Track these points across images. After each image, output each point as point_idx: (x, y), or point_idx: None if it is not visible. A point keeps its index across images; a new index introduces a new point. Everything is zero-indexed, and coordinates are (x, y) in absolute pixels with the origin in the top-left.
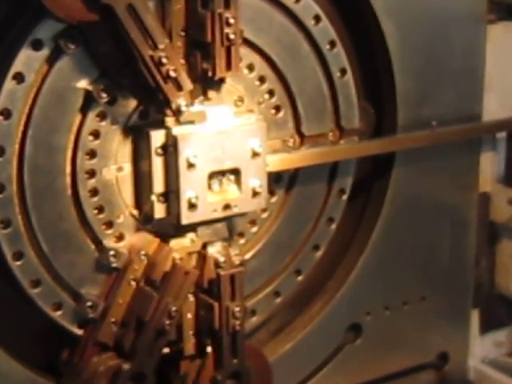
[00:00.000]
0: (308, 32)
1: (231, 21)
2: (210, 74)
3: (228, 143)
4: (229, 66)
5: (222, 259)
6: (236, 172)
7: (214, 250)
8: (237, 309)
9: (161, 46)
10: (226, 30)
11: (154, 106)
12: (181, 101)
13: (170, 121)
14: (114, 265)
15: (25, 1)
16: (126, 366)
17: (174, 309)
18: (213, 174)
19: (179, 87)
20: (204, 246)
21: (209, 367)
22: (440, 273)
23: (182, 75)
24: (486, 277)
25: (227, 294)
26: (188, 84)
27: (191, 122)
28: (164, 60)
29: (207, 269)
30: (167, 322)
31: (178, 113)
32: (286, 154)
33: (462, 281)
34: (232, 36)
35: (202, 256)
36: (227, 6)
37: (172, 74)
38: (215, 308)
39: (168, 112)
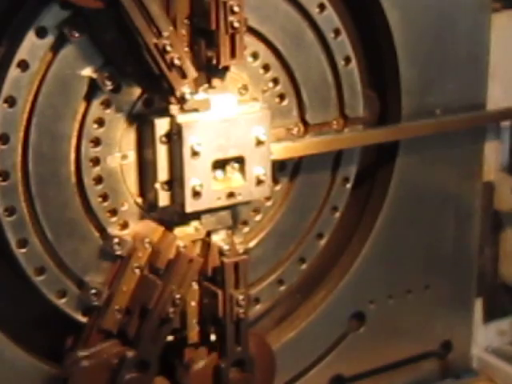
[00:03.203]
0: (312, 20)
1: (236, 9)
2: (214, 62)
3: (232, 131)
4: (233, 54)
5: (226, 247)
6: (240, 160)
7: (218, 238)
8: (241, 297)
9: (165, 34)
10: (231, 17)
11: (159, 94)
12: (185, 89)
13: (174, 109)
14: (118, 252)
15: None
16: (130, 354)
17: (177, 296)
18: (217, 162)
19: (183, 75)
20: (208, 234)
21: (213, 355)
22: (444, 261)
23: (187, 63)
24: (490, 265)
25: (231, 282)
26: (192, 72)
27: (196, 110)
28: (168, 48)
29: (211, 257)
30: (171, 309)
31: (182, 101)
32: (291, 142)
33: (465, 269)
34: (236, 24)
35: (206, 244)
36: None
37: (176, 61)
38: (219, 296)
39: (172, 100)
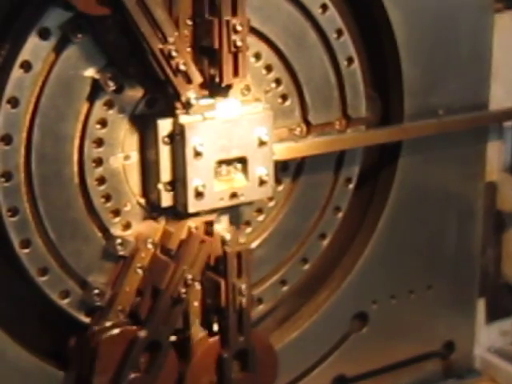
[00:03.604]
0: (315, 20)
1: (238, 28)
2: (217, 80)
3: (235, 132)
4: (236, 73)
5: (228, 236)
6: (243, 160)
7: (221, 228)
8: (243, 286)
9: (170, 39)
10: (234, 37)
11: (163, 98)
12: (190, 94)
13: (180, 113)
14: (120, 253)
15: None
16: (143, 334)
17: (189, 277)
18: (220, 163)
19: (189, 80)
20: (211, 223)
21: (215, 345)
22: (446, 262)
23: (192, 68)
24: (493, 266)
25: (234, 272)
26: (197, 77)
27: (200, 114)
28: (174, 53)
29: (214, 246)
30: (183, 290)
31: (187, 106)
32: (293, 142)
33: (468, 270)
34: (239, 43)
35: (209, 233)
36: (234, 13)
37: (182, 67)
38: (222, 285)
39: (178, 105)
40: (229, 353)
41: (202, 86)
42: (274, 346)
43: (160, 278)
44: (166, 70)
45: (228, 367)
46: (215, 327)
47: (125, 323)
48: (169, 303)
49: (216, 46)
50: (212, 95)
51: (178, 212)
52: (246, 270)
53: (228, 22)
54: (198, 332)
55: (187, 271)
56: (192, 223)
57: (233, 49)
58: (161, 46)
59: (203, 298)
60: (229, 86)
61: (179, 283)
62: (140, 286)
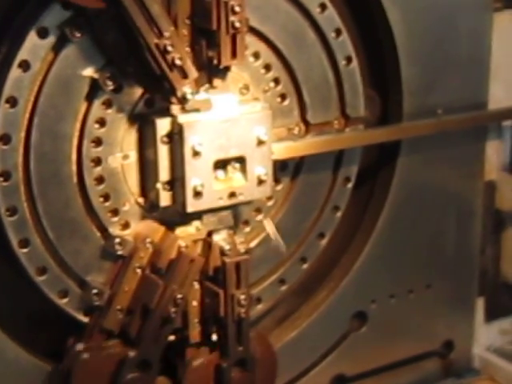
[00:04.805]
0: (314, 20)
1: (237, 9)
2: (215, 62)
3: (233, 131)
4: (234, 55)
5: (227, 247)
6: (241, 160)
7: (220, 238)
8: (242, 296)
9: (166, 34)
10: (232, 17)
11: (160, 94)
12: (186, 89)
13: (175, 109)
14: (119, 252)
15: None
16: (132, 354)
17: (179, 296)
18: (218, 162)
19: (185, 75)
20: (209, 233)
21: (214, 355)
22: (445, 261)
23: (188, 63)
24: (492, 265)
25: (232, 282)
26: (193, 72)
27: (197, 110)
28: (169, 48)
29: (212, 256)
30: (173, 309)
31: (183, 101)
32: (292, 142)
33: (467, 269)
34: (237, 24)
35: (208, 244)
36: None
37: (177, 62)
38: (220, 296)
39: (173, 100)
40: (228, 362)
41: (200, 68)
42: (273, 345)
43: (150, 297)
44: (161, 64)
45: (227, 377)
46: (214, 337)
47: (114, 345)
48: (158, 322)
49: (214, 27)
50: (210, 80)
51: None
52: (245, 281)
53: (226, 3)
54: (196, 330)
55: (177, 290)
56: (182, 242)
57: (231, 30)
58: (156, 40)
59: (202, 298)
60: (227, 68)
61: (169, 302)
62: (130, 305)
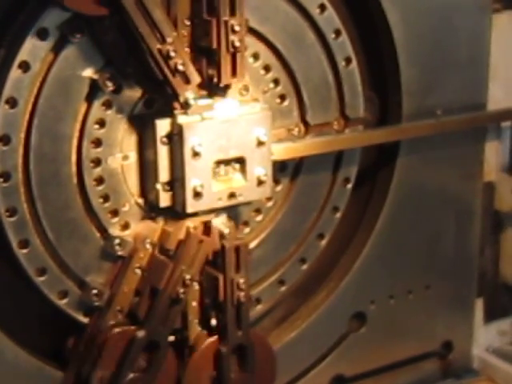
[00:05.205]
0: (313, 21)
1: (236, 28)
2: (215, 80)
3: (233, 132)
4: (234, 73)
5: (226, 231)
6: (241, 161)
7: (219, 222)
8: (241, 280)
9: (169, 40)
10: (232, 37)
11: (161, 98)
12: (189, 94)
13: (178, 114)
14: (119, 253)
15: None
16: (141, 334)
17: (188, 277)
18: (218, 163)
19: (187, 80)
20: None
21: (213, 340)
22: (444, 262)
23: (190, 68)
24: (491, 266)
25: (232, 266)
26: (196, 77)
27: (198, 114)
28: (172, 53)
29: (212, 240)
30: (181, 290)
31: (186, 106)
32: (291, 142)
33: (466, 270)
34: (237, 43)
35: (207, 228)
36: (233, 13)
37: (180, 67)
38: (220, 280)
39: (176, 105)
40: (227, 347)
41: (201, 86)
42: (272, 346)
43: (158, 277)
44: (164, 70)
45: (227, 362)
46: (213, 322)
47: (123, 323)
48: (167, 303)
49: (214, 46)
50: (210, 95)
51: (177, 212)
52: (244, 265)
53: (226, 22)
54: (196, 330)
55: (185, 271)
56: (190, 223)
57: (231, 49)
58: (159, 46)
59: (201, 295)
60: (227, 86)
61: (177, 283)
62: (138, 286)
